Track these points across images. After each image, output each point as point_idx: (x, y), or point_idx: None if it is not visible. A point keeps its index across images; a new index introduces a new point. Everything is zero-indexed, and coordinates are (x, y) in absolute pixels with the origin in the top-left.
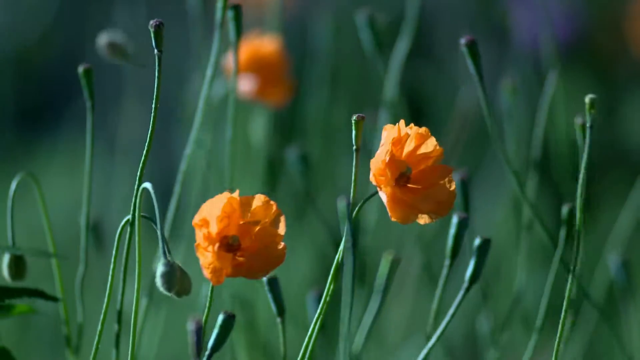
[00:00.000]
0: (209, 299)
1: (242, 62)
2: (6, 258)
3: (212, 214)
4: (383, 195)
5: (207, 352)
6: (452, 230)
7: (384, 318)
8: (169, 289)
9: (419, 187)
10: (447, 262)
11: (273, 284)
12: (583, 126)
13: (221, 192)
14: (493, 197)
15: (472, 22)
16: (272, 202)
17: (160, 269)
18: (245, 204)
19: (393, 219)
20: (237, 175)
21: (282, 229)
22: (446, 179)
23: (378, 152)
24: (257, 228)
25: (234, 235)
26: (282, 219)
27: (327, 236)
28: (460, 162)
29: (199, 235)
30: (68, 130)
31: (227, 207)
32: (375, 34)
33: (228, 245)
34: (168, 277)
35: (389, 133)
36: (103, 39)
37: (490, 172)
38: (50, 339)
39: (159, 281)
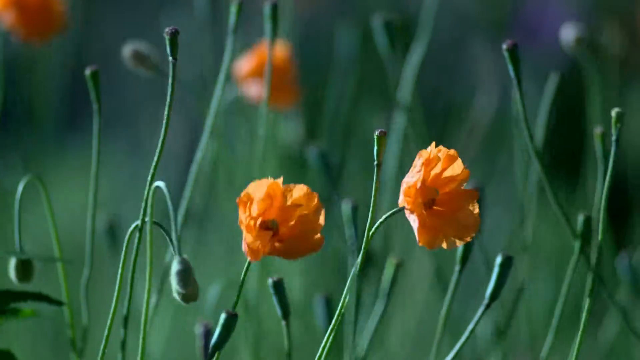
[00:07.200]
0: (244, 273)
1: (251, 67)
2: (13, 260)
3: (256, 193)
4: (414, 221)
5: (208, 351)
6: None
7: (393, 324)
8: (184, 286)
9: (444, 209)
10: (457, 267)
11: (278, 286)
12: (602, 135)
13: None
14: (504, 202)
15: (475, 22)
16: (314, 193)
17: (175, 267)
18: (287, 191)
19: (420, 244)
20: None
21: (322, 220)
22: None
23: (409, 175)
24: (299, 213)
25: (273, 219)
26: (323, 211)
27: (339, 237)
28: (471, 169)
29: (242, 211)
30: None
31: (270, 190)
32: (392, 38)
33: (267, 228)
34: (183, 274)
35: (423, 158)
36: (128, 50)
37: (501, 176)
38: (56, 341)
39: (174, 279)
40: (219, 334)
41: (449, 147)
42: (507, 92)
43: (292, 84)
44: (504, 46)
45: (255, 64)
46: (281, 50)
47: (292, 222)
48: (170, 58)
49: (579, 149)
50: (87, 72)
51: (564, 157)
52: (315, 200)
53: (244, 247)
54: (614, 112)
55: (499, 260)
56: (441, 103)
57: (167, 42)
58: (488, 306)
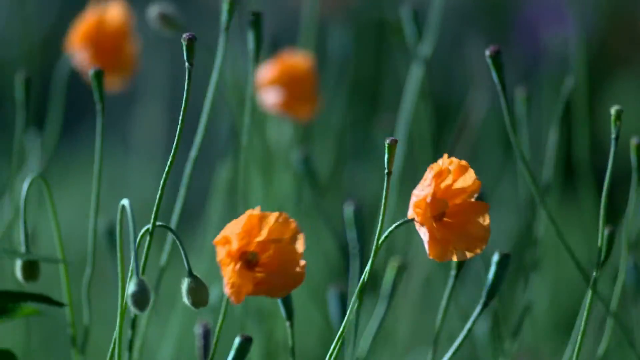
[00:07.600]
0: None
1: (274, 76)
2: (19, 260)
3: (234, 231)
4: (424, 234)
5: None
6: None
7: (391, 323)
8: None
9: (454, 221)
10: (453, 272)
11: None
12: (638, 146)
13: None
14: (503, 204)
15: (477, 22)
16: (291, 220)
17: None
18: (265, 220)
19: (431, 257)
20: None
21: (300, 247)
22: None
23: (420, 187)
24: (275, 246)
25: (253, 251)
26: (301, 236)
27: (333, 239)
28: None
29: (221, 252)
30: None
31: (247, 225)
32: (419, 27)
33: (247, 261)
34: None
35: (434, 171)
36: (154, 11)
37: (500, 178)
38: (58, 341)
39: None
40: (233, 358)
41: (444, 146)
42: (510, 91)
43: (313, 93)
44: (487, 52)
45: (276, 72)
46: (303, 60)
47: (270, 253)
48: (187, 64)
49: (575, 150)
50: (91, 71)
51: (562, 160)
52: (292, 226)
53: (226, 289)
54: (613, 110)
55: (495, 258)
56: (439, 101)
57: (185, 48)
58: (486, 305)
